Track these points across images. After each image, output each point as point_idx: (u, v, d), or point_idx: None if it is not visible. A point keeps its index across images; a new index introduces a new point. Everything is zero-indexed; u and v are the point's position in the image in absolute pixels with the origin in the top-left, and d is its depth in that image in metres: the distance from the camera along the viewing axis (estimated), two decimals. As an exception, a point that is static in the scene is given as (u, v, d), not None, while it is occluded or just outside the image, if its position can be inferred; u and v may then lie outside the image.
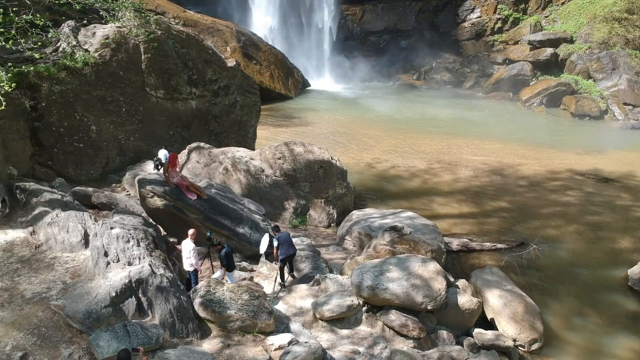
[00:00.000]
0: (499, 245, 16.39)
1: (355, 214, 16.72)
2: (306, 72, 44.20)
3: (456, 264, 15.37)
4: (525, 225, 18.20)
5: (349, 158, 24.27)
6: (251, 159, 17.86)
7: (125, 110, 18.85)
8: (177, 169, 13.43)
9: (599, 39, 37.28)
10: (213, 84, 21.40)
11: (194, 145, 18.20)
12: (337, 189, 17.92)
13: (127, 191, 17.41)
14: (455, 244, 16.13)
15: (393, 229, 13.41)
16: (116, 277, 10.07)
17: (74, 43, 18.37)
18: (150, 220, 13.60)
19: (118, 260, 10.48)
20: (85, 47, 18.47)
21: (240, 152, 18.08)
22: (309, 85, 43.52)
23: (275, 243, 12.03)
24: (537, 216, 18.94)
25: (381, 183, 21.75)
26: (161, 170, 13.67)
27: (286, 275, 12.45)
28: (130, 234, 10.82)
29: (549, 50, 39.64)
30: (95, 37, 18.79)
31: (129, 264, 10.41)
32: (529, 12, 45.34)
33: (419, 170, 23.32)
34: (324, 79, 46.46)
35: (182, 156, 18.06)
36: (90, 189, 16.03)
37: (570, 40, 39.81)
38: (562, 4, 44.08)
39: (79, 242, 11.61)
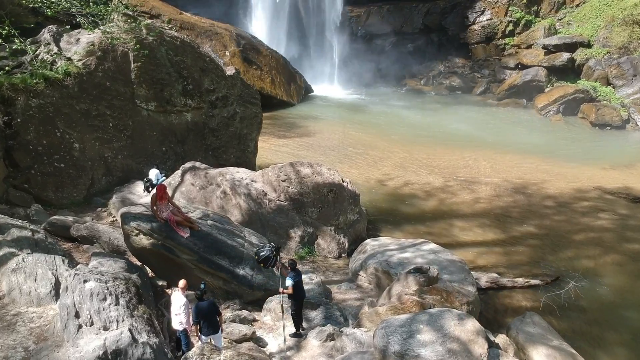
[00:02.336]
0: (533, 282, 14.51)
1: (370, 245, 14.85)
2: (309, 77, 42.20)
3: (487, 304, 13.48)
4: (557, 255, 16.33)
5: (357, 174, 22.39)
6: (252, 181, 15.97)
7: (113, 125, 16.99)
8: (167, 202, 11.51)
9: (618, 43, 35.28)
10: (210, 94, 19.52)
11: (188, 165, 16.29)
12: (349, 214, 16.05)
13: (114, 216, 15.58)
14: (483, 280, 14.24)
15: (418, 270, 11.56)
16: (88, 346, 8.22)
17: (55, 50, 16.50)
18: (136, 260, 11.76)
19: (92, 324, 8.58)
20: (68, 55, 16.59)
21: (240, 174, 16.19)
22: (312, 91, 41.52)
23: (291, 282, 10.17)
24: (570, 244, 17.06)
25: (394, 204, 19.84)
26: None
27: (290, 326, 10.64)
28: (107, 289, 8.91)
29: (565, 55, 37.58)
30: (79, 44, 16.92)
31: (105, 328, 8.52)
32: (542, 15, 43.35)
33: (434, 189, 21.40)
34: (327, 84, 44.43)
35: (175, 177, 16.18)
36: (70, 218, 14.14)
37: (588, 45, 37.72)
38: (577, 5, 42.13)
39: (48, 294, 9.76)
